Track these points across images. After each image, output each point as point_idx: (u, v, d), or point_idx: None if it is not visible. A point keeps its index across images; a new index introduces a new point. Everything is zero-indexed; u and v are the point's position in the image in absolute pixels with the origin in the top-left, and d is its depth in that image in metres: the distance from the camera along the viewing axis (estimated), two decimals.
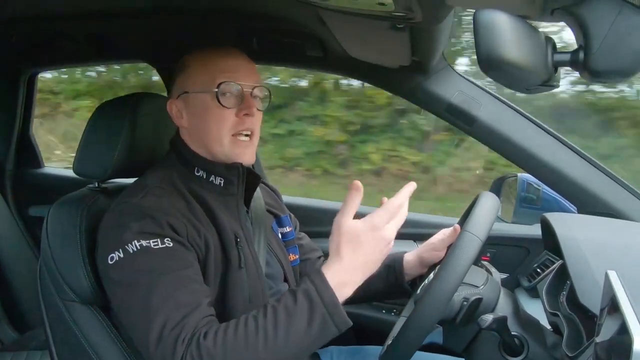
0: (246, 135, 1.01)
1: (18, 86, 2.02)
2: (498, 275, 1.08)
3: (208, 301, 0.90)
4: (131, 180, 1.07)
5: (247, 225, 1.07)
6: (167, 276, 0.87)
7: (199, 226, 0.95)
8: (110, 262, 0.89)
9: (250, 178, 1.07)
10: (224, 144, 1.00)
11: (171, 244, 0.89)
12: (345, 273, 0.84)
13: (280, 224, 1.22)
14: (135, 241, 0.88)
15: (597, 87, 3.97)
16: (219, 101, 0.97)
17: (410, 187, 0.90)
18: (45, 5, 1.38)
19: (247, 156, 1.02)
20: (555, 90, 0.72)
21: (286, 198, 1.37)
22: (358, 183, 0.86)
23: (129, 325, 0.91)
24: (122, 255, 0.88)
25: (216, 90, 0.97)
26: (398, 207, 0.86)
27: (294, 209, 1.35)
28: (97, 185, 1.15)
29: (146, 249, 0.88)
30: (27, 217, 2.04)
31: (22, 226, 2.02)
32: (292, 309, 0.82)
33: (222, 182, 1.03)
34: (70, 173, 1.39)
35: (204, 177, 1.02)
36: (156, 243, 0.89)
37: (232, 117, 0.99)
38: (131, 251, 0.88)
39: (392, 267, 1.20)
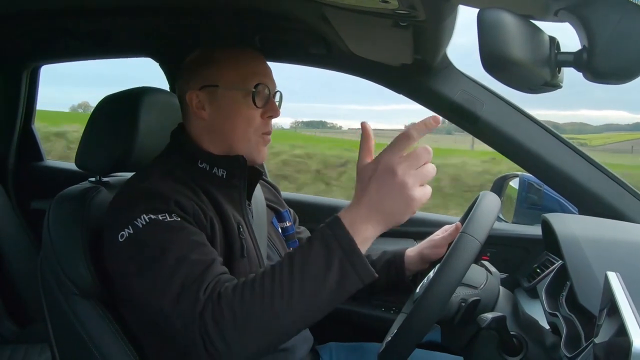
0: (269, 135, 1.05)
1: (20, 79, 2.03)
2: (498, 275, 1.08)
3: (220, 260, 0.90)
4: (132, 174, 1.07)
5: (250, 218, 1.08)
6: (179, 242, 0.87)
7: (205, 208, 0.96)
8: (120, 239, 0.89)
9: (251, 173, 1.08)
10: (251, 142, 1.03)
11: (179, 219, 0.90)
12: (365, 217, 0.77)
13: (280, 218, 1.23)
14: (144, 215, 0.89)
15: None
16: (254, 101, 1.01)
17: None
18: (46, 1, 1.37)
19: (264, 155, 1.06)
20: None
21: (285, 194, 1.38)
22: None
23: (144, 295, 0.88)
24: (131, 231, 0.89)
25: (253, 90, 1.00)
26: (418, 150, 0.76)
27: (292, 205, 1.35)
28: (98, 178, 1.15)
29: (155, 221, 0.89)
30: (28, 210, 2.04)
31: (23, 220, 2.02)
32: (307, 253, 0.78)
33: (224, 174, 1.04)
34: (72, 166, 1.39)
35: (207, 169, 1.03)
36: (164, 217, 0.89)
37: (259, 117, 1.03)
38: (140, 225, 0.88)
39: (393, 262, 1.21)
